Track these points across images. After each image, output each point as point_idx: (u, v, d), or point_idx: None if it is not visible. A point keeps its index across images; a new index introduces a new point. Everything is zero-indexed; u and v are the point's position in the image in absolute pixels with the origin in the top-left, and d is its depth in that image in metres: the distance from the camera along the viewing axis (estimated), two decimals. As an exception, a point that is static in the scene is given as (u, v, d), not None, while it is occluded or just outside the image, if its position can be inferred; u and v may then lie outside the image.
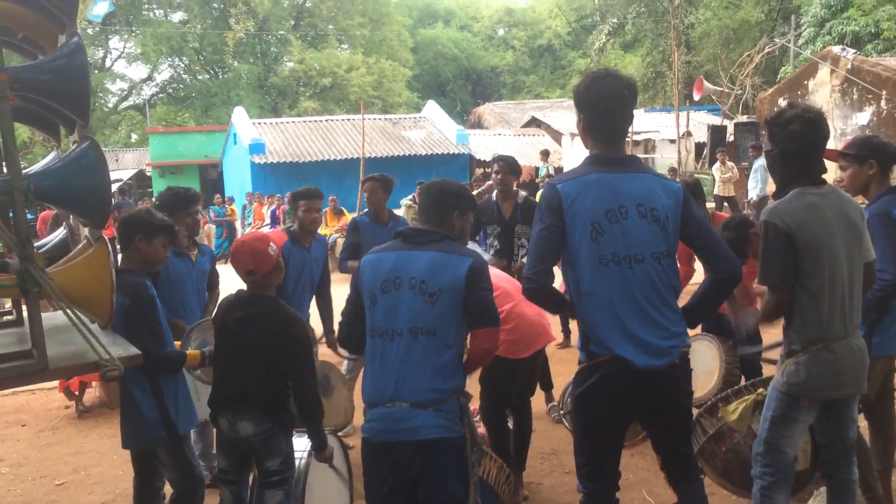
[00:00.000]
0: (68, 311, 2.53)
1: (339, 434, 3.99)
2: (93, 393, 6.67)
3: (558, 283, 3.02)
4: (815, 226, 2.92)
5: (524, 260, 5.38)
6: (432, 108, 26.31)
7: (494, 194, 5.55)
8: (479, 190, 13.29)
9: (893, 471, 3.81)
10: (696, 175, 14.21)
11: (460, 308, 2.82)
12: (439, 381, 2.78)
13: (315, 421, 3.35)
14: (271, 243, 3.33)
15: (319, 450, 3.41)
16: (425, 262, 2.84)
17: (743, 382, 4.58)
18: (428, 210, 3.04)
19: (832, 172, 3.24)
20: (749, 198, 14.23)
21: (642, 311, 2.74)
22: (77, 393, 6.37)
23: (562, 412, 3.94)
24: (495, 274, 3.57)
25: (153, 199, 20.13)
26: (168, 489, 3.65)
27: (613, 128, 2.86)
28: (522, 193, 5.57)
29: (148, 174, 28.56)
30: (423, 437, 2.75)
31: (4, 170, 2.61)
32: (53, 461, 5.38)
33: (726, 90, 20.94)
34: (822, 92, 18.12)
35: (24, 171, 2.50)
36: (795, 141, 3.00)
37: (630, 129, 3.54)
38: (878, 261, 3.25)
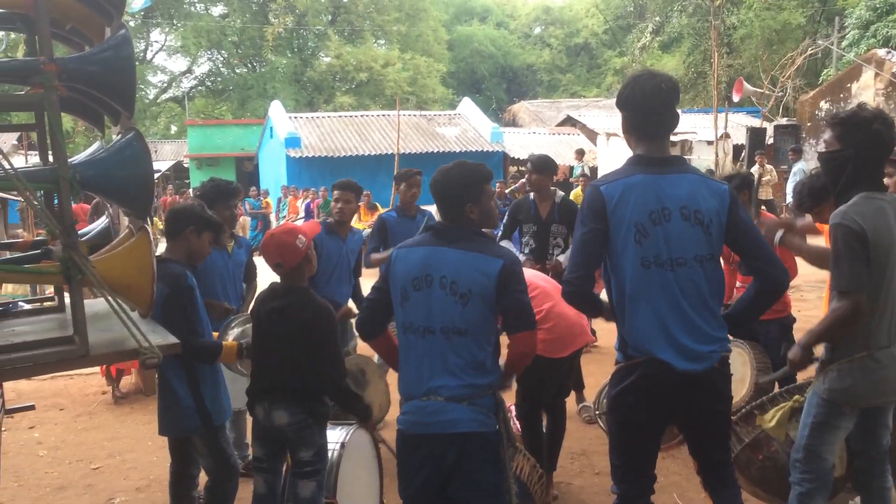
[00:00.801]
0: (110, 298, 2.58)
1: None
2: (129, 380, 6.79)
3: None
4: (884, 231, 2.85)
5: (559, 258, 5.38)
6: (467, 106, 26.30)
7: (532, 193, 5.53)
8: (513, 188, 13.26)
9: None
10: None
11: (492, 309, 2.79)
12: (474, 378, 2.77)
13: (349, 404, 3.45)
14: (300, 236, 3.34)
15: (365, 420, 3.60)
16: (456, 261, 2.80)
17: (776, 389, 4.54)
18: (442, 209, 2.96)
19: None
20: (787, 202, 14.00)
21: (684, 315, 2.71)
22: (114, 378, 6.48)
23: (597, 412, 3.91)
24: (533, 273, 3.55)
25: (192, 190, 20.42)
26: (203, 476, 3.70)
27: (655, 124, 2.82)
28: (560, 193, 5.54)
29: (186, 165, 28.96)
30: (458, 430, 2.74)
31: (50, 159, 2.67)
32: (90, 445, 5.48)
33: (766, 92, 20.60)
34: (866, 95, 17.77)
35: (69, 161, 2.55)
36: (876, 142, 2.91)
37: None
38: None
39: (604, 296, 2.96)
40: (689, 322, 2.71)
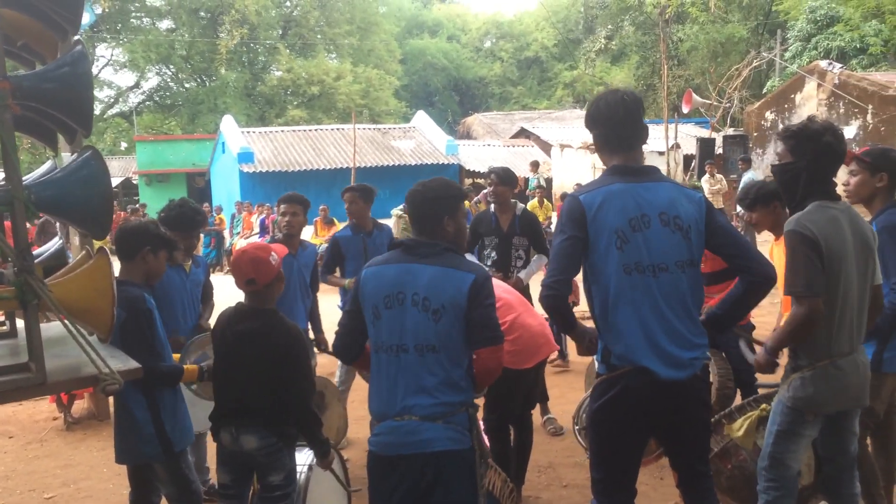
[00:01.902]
0: (68, 323, 2.49)
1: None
2: (82, 404, 6.57)
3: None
4: (837, 240, 2.91)
5: (520, 275, 5.39)
6: (422, 119, 26.34)
7: (492, 206, 5.54)
8: (476, 199, 13.30)
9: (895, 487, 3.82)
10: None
11: (464, 325, 2.76)
12: (448, 395, 2.73)
13: (313, 433, 3.32)
14: (273, 253, 3.29)
15: (323, 457, 3.37)
16: (427, 277, 2.77)
17: (738, 395, 4.59)
18: (418, 222, 2.93)
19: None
20: (737, 210, 14.28)
21: (667, 321, 2.73)
22: (66, 404, 6.27)
23: (577, 427, 3.91)
24: (497, 285, 3.53)
25: (140, 206, 19.99)
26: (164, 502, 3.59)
27: (626, 136, 2.87)
28: (521, 206, 5.57)
29: (134, 182, 28.39)
30: (434, 449, 2.70)
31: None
32: (42, 474, 5.28)
33: (714, 103, 21.09)
34: (809, 106, 18.29)
35: (23, 181, 2.46)
36: (827, 154, 2.98)
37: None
38: (892, 275, 3.24)
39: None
40: (672, 328, 2.73)
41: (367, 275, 2.90)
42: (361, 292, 2.88)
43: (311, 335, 5.09)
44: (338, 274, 5.60)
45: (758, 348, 3.24)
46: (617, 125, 2.85)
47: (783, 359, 3.13)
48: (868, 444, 3.57)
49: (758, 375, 4.50)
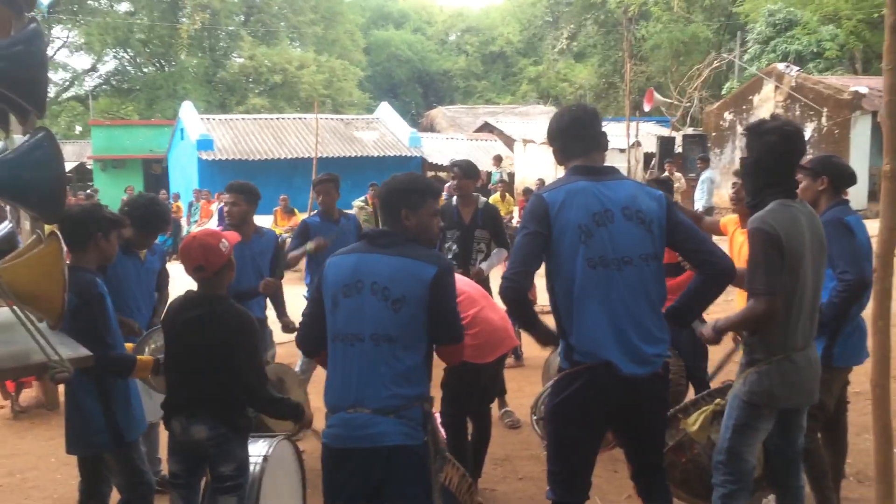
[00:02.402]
0: (17, 309, 2.42)
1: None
2: (30, 393, 6.42)
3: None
4: (797, 238, 2.97)
5: (481, 266, 5.40)
6: (385, 110, 26.22)
7: (455, 198, 5.55)
8: (445, 196, 13.33)
9: (843, 482, 3.92)
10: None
11: (424, 315, 2.75)
12: (402, 388, 2.72)
13: (278, 411, 3.36)
14: (223, 240, 3.24)
15: (298, 422, 3.44)
16: (388, 267, 2.76)
17: (691, 392, 4.67)
18: (382, 212, 2.94)
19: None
20: (695, 208, 14.51)
21: (631, 314, 2.76)
22: (13, 393, 6.12)
23: (535, 418, 3.94)
24: (459, 279, 3.54)
25: (98, 193, 19.58)
26: (115, 494, 3.52)
27: (587, 139, 2.95)
28: (483, 199, 5.58)
29: (89, 167, 27.79)
30: (385, 443, 2.69)
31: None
32: (-13, 464, 5.16)
33: (675, 102, 21.36)
34: (767, 107, 18.64)
35: (-29, 162, 2.38)
36: (770, 152, 3.06)
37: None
38: (837, 265, 3.34)
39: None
40: (637, 321, 2.77)
41: (330, 264, 2.89)
42: (323, 281, 2.87)
43: (276, 323, 5.07)
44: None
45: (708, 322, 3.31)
46: (580, 128, 2.95)
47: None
48: (818, 438, 3.65)
49: (710, 372, 4.58)
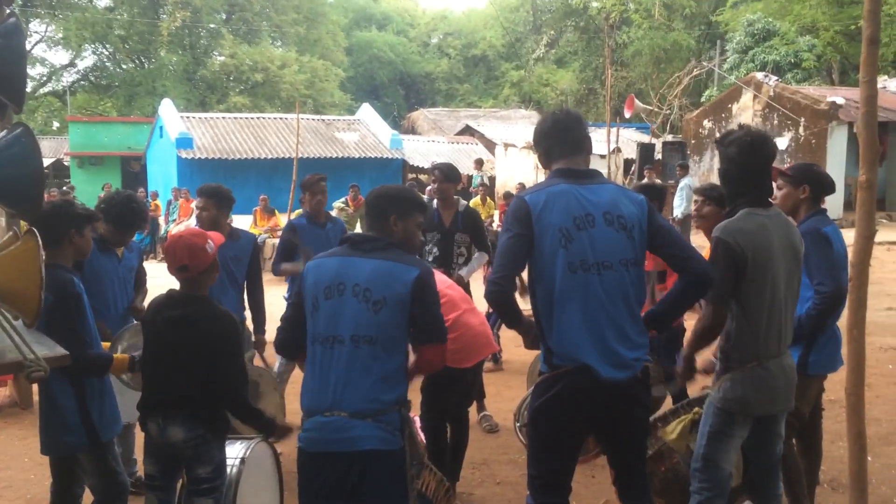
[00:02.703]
0: (-8, 307, 2.39)
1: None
2: (4, 391, 6.33)
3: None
4: (763, 246, 3.01)
5: (461, 273, 5.40)
6: (367, 111, 26.18)
7: (435, 201, 5.54)
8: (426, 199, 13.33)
9: (817, 488, 3.96)
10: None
11: (405, 318, 2.76)
12: (381, 392, 2.72)
13: (251, 419, 3.29)
14: (209, 241, 3.22)
15: (269, 434, 3.40)
16: (370, 270, 2.77)
17: (669, 402, 4.70)
18: (368, 217, 2.98)
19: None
20: (674, 215, 14.61)
21: (611, 319, 2.77)
22: (-15, 391, 6.04)
23: (518, 425, 3.95)
24: (441, 281, 3.54)
25: (74, 191, 19.35)
26: (88, 495, 3.48)
27: (571, 141, 2.96)
28: (463, 202, 5.58)
29: (66, 164, 27.47)
30: (361, 448, 2.68)
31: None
32: (-42, 463, 5.07)
33: (656, 109, 21.53)
34: (745, 116, 18.84)
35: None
36: (732, 163, 3.13)
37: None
38: (814, 276, 3.38)
39: None
40: (616, 326, 2.78)
41: (310, 266, 2.90)
42: (304, 284, 2.87)
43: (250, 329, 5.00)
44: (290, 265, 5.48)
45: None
46: (563, 131, 2.97)
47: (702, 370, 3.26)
48: (794, 444, 3.69)
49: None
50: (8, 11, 2.62)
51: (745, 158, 3.09)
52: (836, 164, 16.40)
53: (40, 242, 2.58)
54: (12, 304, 2.55)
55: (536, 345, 2.95)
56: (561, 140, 2.96)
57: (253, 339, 4.97)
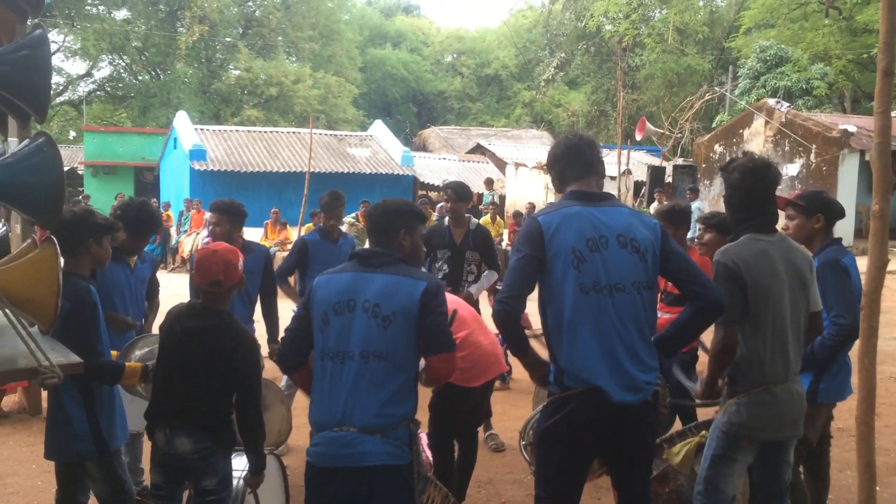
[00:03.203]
0: (9, 313, 2.41)
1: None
2: (12, 398, 6.35)
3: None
4: (764, 271, 3.02)
5: (471, 290, 5.42)
6: (379, 128, 26.31)
7: (447, 219, 5.57)
8: (436, 217, 13.40)
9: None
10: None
11: (414, 332, 2.78)
12: (390, 407, 2.73)
13: (255, 442, 3.25)
14: (240, 257, 3.26)
15: (256, 472, 3.27)
16: (379, 285, 2.80)
17: (678, 424, 4.68)
18: (374, 233, 2.99)
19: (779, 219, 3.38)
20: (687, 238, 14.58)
21: (622, 341, 2.77)
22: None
23: (523, 444, 3.95)
24: (451, 299, 3.55)
25: (89, 199, 19.48)
26: (93, 502, 3.49)
27: (584, 164, 2.98)
28: (475, 221, 5.61)
29: (80, 173, 27.67)
30: (370, 463, 2.70)
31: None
32: (-35, 468, 5.09)
33: (667, 133, 21.57)
34: (756, 141, 18.86)
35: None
36: (735, 189, 3.16)
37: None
38: (832, 308, 3.36)
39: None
40: (628, 348, 2.78)
41: (320, 282, 2.91)
42: (312, 299, 2.89)
43: (263, 336, 5.02)
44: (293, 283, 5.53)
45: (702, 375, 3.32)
46: (572, 157, 2.99)
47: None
48: (801, 472, 3.67)
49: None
50: (34, 23, 2.68)
51: (747, 184, 3.12)
52: (847, 192, 16.37)
53: (58, 250, 2.61)
54: (29, 311, 2.59)
55: (545, 382, 2.94)
56: (574, 163, 2.98)
57: (266, 351, 4.98)
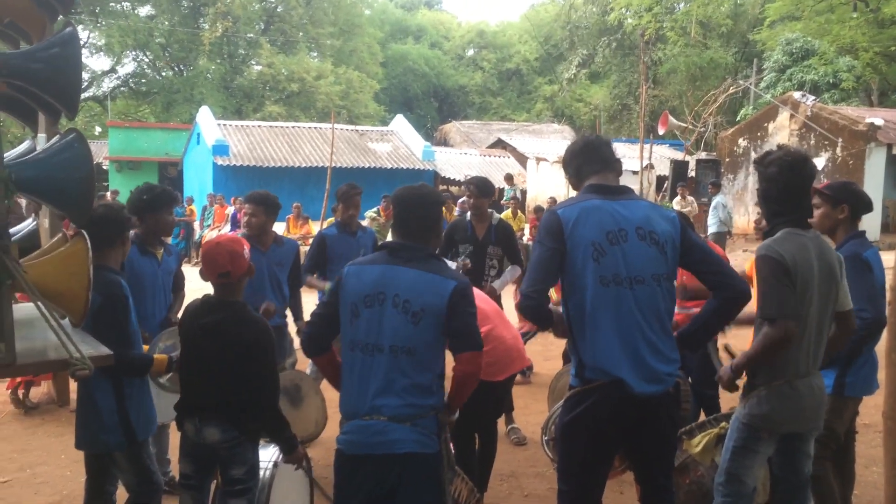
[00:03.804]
0: (41, 305, 2.46)
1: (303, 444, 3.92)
2: (40, 390, 6.46)
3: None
4: (805, 266, 2.99)
5: (493, 284, 5.43)
6: (400, 123, 26.35)
7: (468, 214, 5.58)
8: (458, 212, 13.40)
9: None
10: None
11: (441, 329, 2.80)
12: (418, 398, 2.76)
13: (277, 429, 3.28)
14: (245, 247, 3.28)
15: (288, 452, 3.32)
16: (410, 280, 2.82)
17: (702, 416, 4.67)
18: (408, 224, 2.96)
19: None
20: (707, 233, 14.50)
21: (642, 333, 2.78)
22: (23, 390, 6.15)
23: (546, 439, 3.96)
24: (475, 293, 3.57)
25: (118, 195, 19.72)
26: (121, 493, 3.55)
27: (600, 158, 3.01)
28: (497, 215, 5.62)
29: (105, 168, 28.00)
30: (400, 450, 2.72)
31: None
32: (-3, 457, 5.20)
33: (690, 127, 21.41)
34: (781, 135, 18.66)
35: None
36: (772, 183, 3.11)
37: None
38: (855, 302, 3.33)
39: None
40: (648, 340, 2.79)
41: (350, 272, 2.92)
42: (342, 289, 2.91)
43: (293, 332, 5.08)
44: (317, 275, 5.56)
45: (725, 360, 3.30)
46: (589, 153, 3.03)
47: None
48: (829, 466, 3.64)
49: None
50: (63, 20, 2.72)
51: (785, 178, 3.08)
52: (873, 186, 16.18)
53: (89, 245, 2.66)
54: (60, 304, 2.64)
55: (566, 334, 2.95)
56: (592, 159, 3.01)
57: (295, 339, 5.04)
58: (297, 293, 5.24)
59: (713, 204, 14.91)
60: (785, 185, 3.09)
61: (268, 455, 3.47)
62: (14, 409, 6.18)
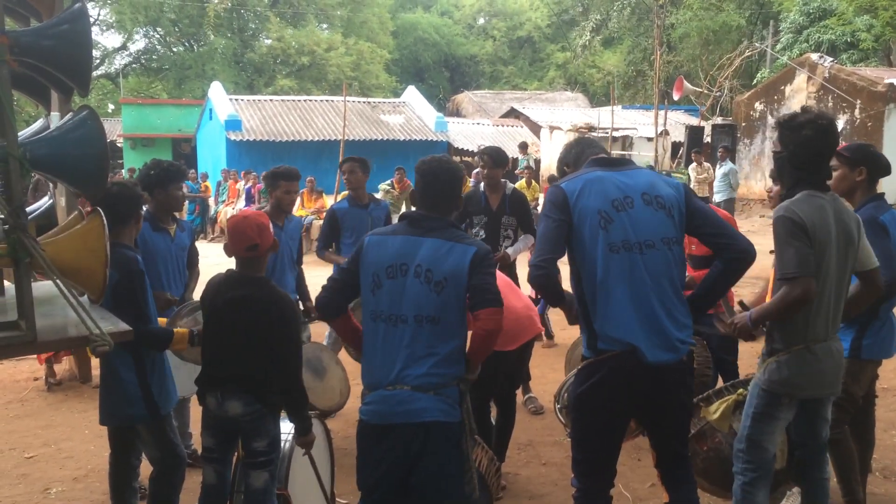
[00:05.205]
0: (60, 283, 2.48)
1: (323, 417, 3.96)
2: (62, 366, 6.55)
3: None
4: (822, 228, 2.96)
5: (508, 250, 5.42)
6: (412, 94, 26.22)
7: (482, 185, 5.56)
8: (472, 182, 13.34)
9: (868, 476, 3.90)
10: (671, 174, 14.27)
11: (464, 295, 2.81)
12: (442, 367, 2.77)
13: (298, 406, 3.31)
14: (269, 223, 3.31)
15: (303, 433, 3.35)
16: (430, 249, 2.83)
17: (720, 383, 4.66)
18: (433, 196, 2.96)
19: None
20: (714, 200, 14.24)
21: (655, 298, 2.79)
22: (44, 366, 6.25)
23: (558, 406, 3.98)
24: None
25: (124, 170, 19.81)
26: (144, 466, 3.60)
27: (601, 148, 3.22)
28: (511, 185, 5.60)
29: (119, 145, 28.10)
30: (425, 419, 2.74)
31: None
32: (23, 433, 5.28)
33: (705, 91, 21.14)
34: (799, 98, 18.40)
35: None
36: (805, 147, 3.03)
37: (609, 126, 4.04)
38: None
39: None
40: (663, 305, 2.79)
41: (371, 242, 2.93)
42: (363, 258, 2.91)
43: (301, 306, 5.11)
44: (333, 249, 5.59)
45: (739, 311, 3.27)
46: (588, 144, 3.23)
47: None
48: (848, 430, 3.64)
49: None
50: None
51: (821, 141, 3.02)
52: (893, 148, 15.89)
53: (105, 222, 2.67)
54: (78, 281, 2.66)
55: (577, 320, 2.97)
56: (590, 144, 3.19)
57: (304, 313, 5.07)
58: (301, 271, 5.26)
59: (723, 171, 14.67)
60: (817, 149, 3.04)
61: (288, 427, 3.50)
62: (38, 386, 6.28)
